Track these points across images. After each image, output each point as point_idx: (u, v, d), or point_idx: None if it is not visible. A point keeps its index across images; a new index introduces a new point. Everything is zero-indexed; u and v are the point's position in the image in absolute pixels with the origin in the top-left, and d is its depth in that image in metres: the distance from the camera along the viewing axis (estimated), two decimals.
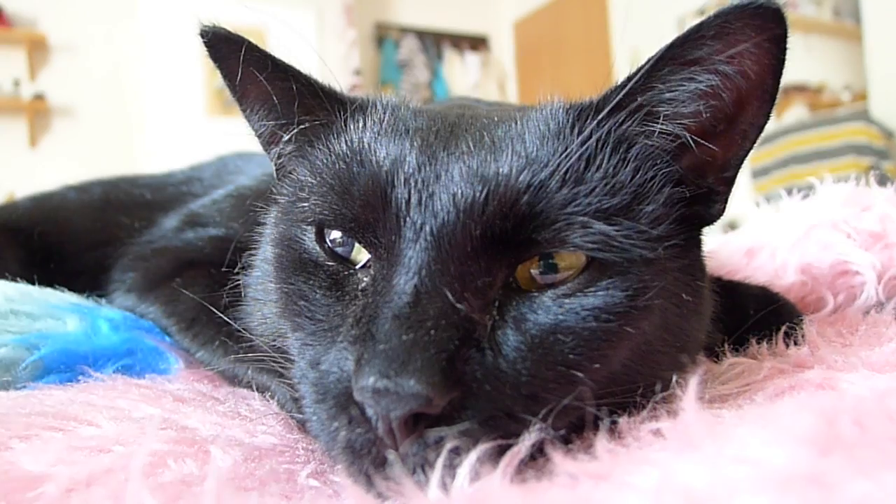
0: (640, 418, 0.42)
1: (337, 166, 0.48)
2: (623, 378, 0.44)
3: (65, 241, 0.98)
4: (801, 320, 0.64)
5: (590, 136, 0.45)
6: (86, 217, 1.02)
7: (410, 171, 0.44)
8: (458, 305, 0.41)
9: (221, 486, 0.35)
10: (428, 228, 0.42)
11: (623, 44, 4.97)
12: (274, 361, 0.50)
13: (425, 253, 0.42)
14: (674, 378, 0.45)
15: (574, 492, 0.31)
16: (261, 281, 0.57)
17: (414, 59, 5.65)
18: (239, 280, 0.62)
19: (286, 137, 0.55)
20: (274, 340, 0.52)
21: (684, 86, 0.46)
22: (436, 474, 0.35)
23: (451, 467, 0.35)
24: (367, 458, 0.39)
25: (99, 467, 0.42)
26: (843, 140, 3.29)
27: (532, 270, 0.43)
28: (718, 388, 0.50)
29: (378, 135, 0.48)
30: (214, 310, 0.63)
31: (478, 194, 0.42)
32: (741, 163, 0.51)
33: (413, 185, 0.44)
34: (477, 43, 5.98)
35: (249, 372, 0.62)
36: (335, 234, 0.47)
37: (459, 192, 0.43)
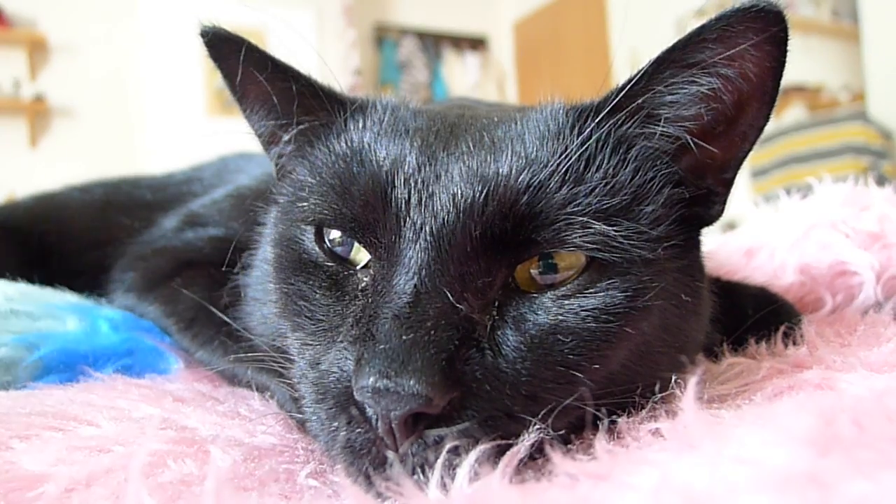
0: (640, 418, 0.43)
1: (337, 166, 0.48)
2: (622, 378, 0.44)
3: (65, 241, 0.98)
4: (800, 320, 0.64)
5: (589, 137, 0.45)
6: (86, 217, 1.02)
7: (410, 171, 0.44)
8: (458, 305, 0.41)
9: (221, 486, 0.35)
10: (428, 228, 0.42)
11: (622, 44, 4.97)
12: (274, 361, 0.50)
13: (425, 253, 0.42)
14: (673, 378, 0.45)
15: (573, 492, 0.31)
16: (260, 281, 0.57)
17: (413, 59, 5.65)
18: (238, 280, 0.62)
19: (286, 137, 0.55)
20: (274, 340, 0.52)
21: (686, 89, 0.46)
22: (435, 474, 0.35)
23: (450, 467, 0.35)
24: (366, 458, 0.39)
25: (99, 467, 0.42)
26: (842, 140, 3.29)
27: (532, 270, 0.43)
28: (717, 388, 0.50)
29: (378, 135, 0.48)
30: (214, 310, 0.63)
31: (477, 194, 0.42)
32: (741, 164, 0.51)
33: (413, 185, 0.44)
34: (476, 43, 5.98)
35: (249, 372, 0.62)
36: (335, 234, 0.47)
37: (459, 192, 0.43)
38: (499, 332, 0.41)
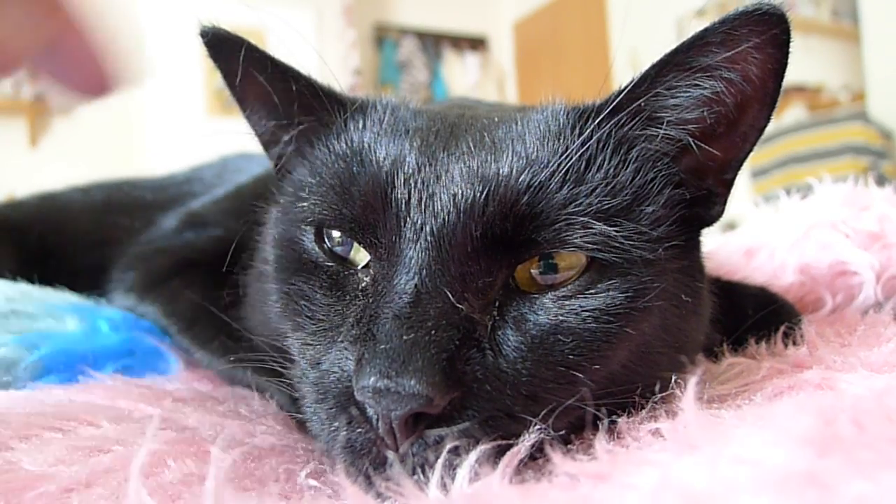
0: (640, 418, 0.43)
1: (337, 167, 0.48)
2: (622, 378, 0.44)
3: (65, 241, 0.98)
4: (800, 320, 0.64)
5: (590, 138, 0.45)
6: (87, 217, 1.02)
7: (410, 171, 0.44)
8: (459, 305, 0.41)
9: (221, 486, 0.35)
10: (428, 229, 0.42)
11: (622, 44, 4.97)
12: (274, 361, 0.50)
13: (426, 253, 0.42)
14: (673, 378, 0.45)
15: (573, 492, 0.31)
16: (261, 281, 0.57)
17: (413, 59, 5.65)
18: (238, 280, 0.62)
19: (286, 138, 0.55)
20: (274, 340, 0.52)
21: (688, 91, 0.46)
22: (435, 474, 0.35)
23: (450, 467, 0.35)
24: (366, 458, 0.39)
25: (99, 467, 0.42)
26: (842, 140, 3.29)
27: (532, 271, 0.43)
28: (717, 388, 0.50)
29: (378, 135, 0.48)
30: (214, 310, 0.63)
31: (478, 194, 0.42)
32: (741, 165, 0.51)
33: (413, 185, 0.44)
34: (476, 43, 5.98)
35: (249, 372, 0.62)
36: (335, 234, 0.47)
37: (459, 192, 0.43)
38: (499, 333, 0.41)
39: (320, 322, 0.45)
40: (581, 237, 0.42)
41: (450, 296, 0.41)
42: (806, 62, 3.74)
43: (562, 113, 0.48)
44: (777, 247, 0.86)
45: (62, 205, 1.08)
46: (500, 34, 6.07)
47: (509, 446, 0.37)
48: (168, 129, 4.50)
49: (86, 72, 0.39)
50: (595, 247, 0.43)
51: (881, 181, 0.93)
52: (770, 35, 0.43)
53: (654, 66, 0.45)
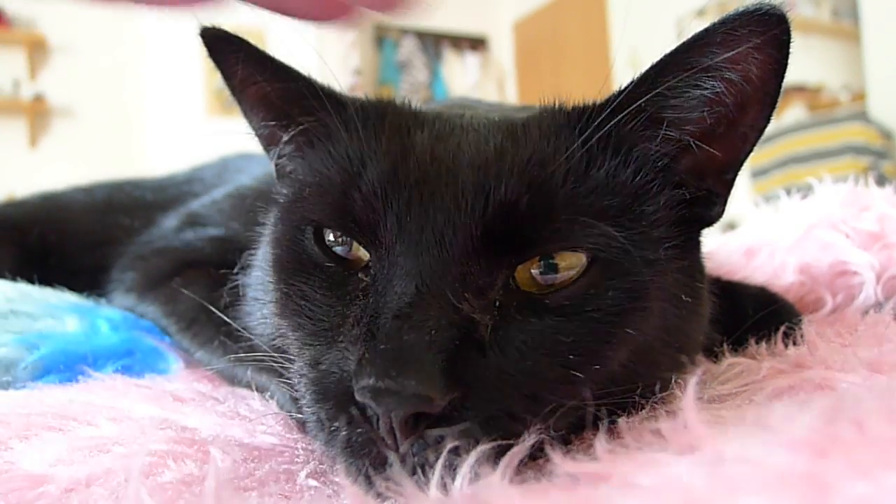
0: (640, 418, 0.42)
1: (337, 167, 0.48)
2: (622, 378, 0.44)
3: (65, 241, 0.98)
4: (800, 320, 0.64)
5: (591, 138, 0.45)
6: (87, 217, 1.02)
7: (411, 171, 0.44)
8: (459, 305, 0.41)
9: (221, 487, 0.35)
10: (429, 229, 0.42)
11: (622, 44, 4.97)
12: (274, 361, 0.50)
13: (426, 253, 0.42)
14: (673, 378, 0.45)
15: (573, 492, 0.31)
16: (260, 281, 0.57)
17: (413, 59, 5.65)
18: (238, 280, 0.62)
19: (286, 138, 0.55)
20: (273, 340, 0.52)
21: (689, 92, 0.46)
22: (436, 474, 0.35)
23: (451, 467, 0.35)
24: (366, 458, 0.39)
25: (99, 467, 0.42)
26: (842, 140, 3.29)
27: (532, 270, 0.43)
28: (717, 388, 0.50)
29: (378, 136, 0.48)
30: (214, 310, 0.63)
31: (478, 194, 0.42)
32: (741, 165, 0.51)
33: (414, 185, 0.44)
34: (476, 43, 5.99)
35: (249, 372, 0.62)
36: (335, 234, 0.47)
37: (460, 192, 0.43)
38: (500, 332, 0.41)
39: (320, 322, 0.45)
40: (582, 237, 0.42)
41: (450, 296, 0.41)
42: (806, 62, 3.75)
43: (562, 113, 0.48)
44: (777, 247, 0.86)
45: (63, 204, 1.08)
46: (500, 34, 6.07)
47: (509, 446, 0.37)
48: (168, 129, 4.51)
49: None
50: (596, 246, 0.43)
51: (881, 181, 0.93)
52: (770, 35, 0.43)
53: (654, 67, 0.45)
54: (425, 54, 5.74)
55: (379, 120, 0.50)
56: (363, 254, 0.46)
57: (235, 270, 0.63)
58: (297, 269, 0.48)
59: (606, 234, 0.43)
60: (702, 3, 4.20)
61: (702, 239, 0.54)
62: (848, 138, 3.30)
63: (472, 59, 5.92)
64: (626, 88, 0.46)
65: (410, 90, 5.45)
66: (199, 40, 0.52)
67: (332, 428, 0.41)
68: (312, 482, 0.43)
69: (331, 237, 0.47)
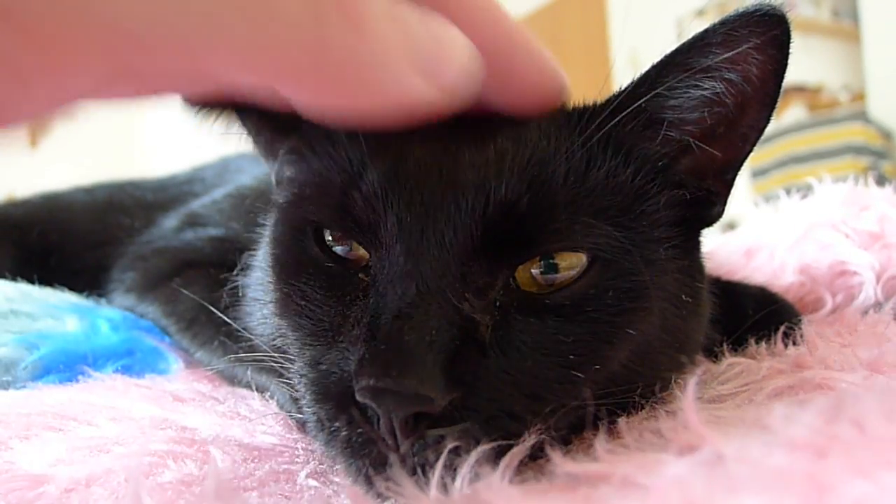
0: (640, 418, 0.43)
1: (337, 167, 0.48)
2: (623, 378, 0.44)
3: (66, 240, 0.99)
4: (800, 320, 0.64)
5: (591, 138, 0.45)
6: (88, 217, 1.02)
7: (412, 171, 0.44)
8: (460, 306, 0.41)
9: (221, 487, 0.35)
10: (429, 229, 0.42)
11: (622, 44, 4.97)
12: (274, 361, 0.50)
13: (427, 253, 0.42)
14: (673, 378, 0.45)
15: (573, 492, 0.31)
16: (261, 281, 0.57)
17: None
18: (239, 281, 0.62)
19: (285, 147, 0.55)
20: (274, 340, 0.52)
21: (689, 92, 0.46)
22: (436, 474, 0.35)
23: (451, 467, 0.35)
24: (367, 458, 0.39)
25: (99, 467, 0.42)
26: (842, 140, 3.29)
27: (532, 270, 0.43)
28: (717, 387, 0.50)
29: (379, 136, 0.48)
30: (214, 310, 0.63)
31: (479, 194, 0.42)
32: (741, 165, 0.51)
33: (414, 184, 0.43)
34: None
35: (249, 372, 0.62)
36: (335, 234, 0.47)
37: (461, 192, 0.43)
38: (500, 333, 0.41)
39: (320, 322, 0.45)
40: (582, 237, 0.43)
41: (450, 296, 0.41)
42: (806, 62, 3.75)
43: (562, 113, 0.48)
44: (777, 247, 0.86)
45: (64, 204, 1.08)
46: None
47: (510, 446, 0.37)
48: (168, 129, 4.51)
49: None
50: (596, 246, 0.43)
51: (881, 181, 0.93)
52: (771, 36, 0.43)
53: (654, 67, 0.45)
54: None
55: None
56: (363, 253, 0.46)
57: (235, 272, 0.63)
58: (297, 270, 0.48)
59: (607, 234, 0.43)
60: (702, 3, 4.20)
61: (702, 239, 0.54)
62: (848, 138, 3.30)
63: None
64: (626, 89, 0.46)
65: None
66: None
67: (333, 428, 0.41)
68: (312, 482, 0.43)
69: (330, 237, 0.47)
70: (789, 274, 0.82)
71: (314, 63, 0.29)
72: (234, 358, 0.62)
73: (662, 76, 0.45)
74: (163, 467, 0.43)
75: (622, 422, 0.41)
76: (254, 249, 0.62)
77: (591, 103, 0.49)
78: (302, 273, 0.47)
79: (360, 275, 0.45)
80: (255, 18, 0.27)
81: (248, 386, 0.63)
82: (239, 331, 0.59)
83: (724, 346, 0.58)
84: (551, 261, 0.43)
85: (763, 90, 0.46)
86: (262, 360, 0.52)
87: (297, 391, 0.47)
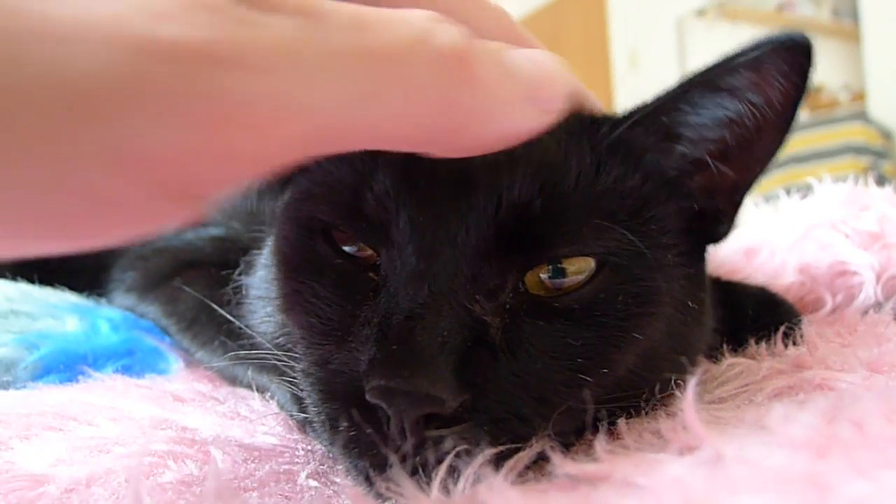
0: (639, 419, 0.43)
1: (348, 167, 0.47)
2: (628, 384, 0.44)
3: None
4: (800, 320, 0.64)
5: (601, 142, 0.45)
6: None
7: (424, 170, 0.44)
8: (471, 307, 0.41)
9: (221, 487, 0.35)
10: (441, 229, 0.42)
11: (622, 45, 4.97)
12: (277, 359, 0.50)
13: (438, 254, 0.41)
14: (673, 379, 0.45)
15: (573, 492, 0.31)
16: (265, 280, 0.56)
17: None
18: (241, 280, 0.62)
19: None
20: (277, 339, 0.51)
21: (711, 111, 0.46)
22: (441, 475, 0.35)
23: (458, 468, 0.35)
24: (374, 459, 0.39)
25: (99, 468, 0.42)
26: (842, 140, 3.29)
27: (541, 275, 0.43)
28: (717, 388, 0.50)
29: None
30: (215, 306, 0.63)
31: (491, 195, 0.42)
32: (751, 187, 0.52)
33: (426, 184, 0.43)
34: None
35: (249, 372, 0.62)
36: (345, 234, 0.47)
37: (473, 192, 0.42)
38: (509, 335, 0.41)
39: (329, 321, 0.45)
40: (592, 241, 0.43)
41: (462, 297, 0.40)
42: None
43: (577, 120, 0.48)
44: (777, 247, 0.86)
45: None
46: None
47: (516, 448, 0.37)
48: None
49: None
50: (606, 251, 0.43)
51: (881, 181, 0.93)
52: (797, 64, 0.44)
53: (678, 84, 0.46)
54: None
55: None
56: (374, 253, 0.46)
57: (238, 271, 0.63)
58: (305, 267, 0.48)
59: (617, 238, 0.43)
60: (702, 4, 4.21)
61: (707, 255, 0.55)
62: (848, 138, 3.30)
63: None
64: (649, 106, 0.47)
65: None
66: None
67: (340, 428, 0.41)
68: (313, 483, 0.43)
69: (341, 236, 0.47)
70: (789, 274, 0.82)
71: (442, 122, 0.32)
72: (234, 356, 0.62)
73: (686, 92, 0.46)
74: (163, 468, 0.43)
75: (622, 423, 0.41)
76: (257, 249, 0.62)
77: (608, 115, 0.49)
78: (311, 271, 0.47)
79: (369, 274, 0.45)
80: (394, 89, 0.29)
81: (248, 386, 0.63)
82: (241, 328, 0.58)
83: (724, 346, 0.58)
84: (559, 265, 0.43)
85: (781, 116, 0.47)
86: (265, 359, 0.52)
87: (300, 390, 0.46)
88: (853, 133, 3.31)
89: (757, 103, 0.46)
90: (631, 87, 4.61)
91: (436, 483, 0.34)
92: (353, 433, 0.40)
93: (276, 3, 0.26)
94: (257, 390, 0.61)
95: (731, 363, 0.54)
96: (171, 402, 0.58)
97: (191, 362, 0.74)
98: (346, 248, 0.47)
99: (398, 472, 0.35)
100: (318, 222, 0.48)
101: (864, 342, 0.58)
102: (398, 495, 0.34)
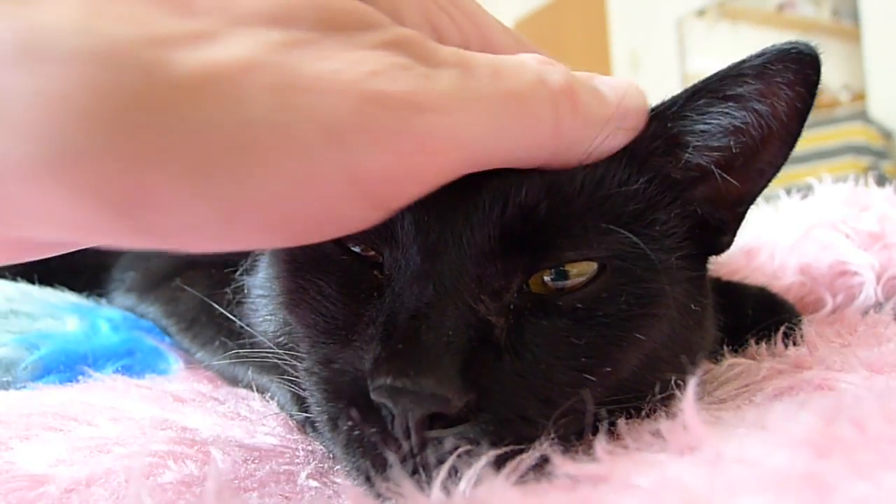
0: (639, 419, 0.43)
1: None
2: (631, 386, 0.44)
3: None
4: (800, 320, 0.64)
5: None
6: None
7: None
8: (476, 307, 0.41)
9: (222, 487, 0.35)
10: (447, 229, 0.42)
11: (622, 45, 4.97)
12: (278, 358, 0.49)
13: (444, 254, 0.41)
14: (673, 379, 0.45)
15: (573, 493, 0.31)
16: (268, 279, 0.56)
17: None
18: (241, 281, 0.62)
19: None
20: (278, 338, 0.51)
21: (718, 120, 0.46)
22: (440, 475, 0.35)
23: (463, 468, 0.35)
24: (376, 459, 0.39)
25: (99, 468, 0.42)
26: (842, 140, 3.29)
27: (544, 277, 0.43)
28: (717, 388, 0.50)
29: None
30: (216, 305, 0.63)
31: (498, 197, 0.42)
32: (754, 199, 0.52)
33: None
34: None
35: (249, 372, 0.62)
36: (352, 233, 0.46)
37: (480, 193, 0.42)
38: (514, 335, 0.41)
39: (333, 320, 0.45)
40: (597, 245, 0.43)
41: (467, 297, 0.41)
42: None
43: None
44: (777, 247, 0.86)
45: None
46: None
47: (520, 449, 0.37)
48: None
49: None
50: (609, 254, 0.43)
51: (881, 181, 0.93)
52: (804, 75, 0.44)
53: (686, 91, 0.46)
54: None
55: None
56: (380, 252, 0.45)
57: (240, 272, 0.63)
58: (311, 265, 0.48)
59: (621, 241, 0.43)
60: (702, 4, 4.21)
61: (709, 265, 0.55)
62: (848, 138, 3.30)
63: None
64: (655, 111, 0.47)
65: None
66: None
67: (343, 428, 0.40)
68: (313, 483, 0.43)
69: (348, 235, 0.47)
70: (789, 274, 0.82)
71: (555, 144, 0.40)
72: (233, 354, 0.62)
73: (693, 100, 0.46)
74: (163, 468, 0.43)
75: (622, 423, 0.41)
76: (258, 250, 0.61)
77: None
78: (316, 268, 0.47)
79: (375, 272, 0.45)
80: (524, 122, 0.37)
81: (248, 386, 0.63)
82: (242, 327, 0.58)
83: (724, 346, 0.58)
84: (562, 268, 0.43)
85: (787, 127, 0.47)
86: (266, 358, 0.52)
87: (302, 389, 0.46)
88: (853, 133, 3.32)
89: (763, 113, 0.46)
90: None
91: (436, 483, 0.34)
92: (356, 432, 0.40)
93: (441, 58, 0.34)
94: (257, 390, 0.61)
95: (731, 363, 0.54)
96: (171, 403, 0.58)
97: (191, 362, 0.74)
98: (353, 248, 0.47)
99: (399, 473, 0.35)
100: None
101: (864, 342, 0.58)
102: (398, 496, 0.34)
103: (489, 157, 0.37)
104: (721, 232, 0.52)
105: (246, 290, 0.61)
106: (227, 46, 0.28)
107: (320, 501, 0.41)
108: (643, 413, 0.44)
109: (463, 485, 0.34)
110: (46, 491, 0.39)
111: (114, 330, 0.76)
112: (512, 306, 0.42)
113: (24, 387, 0.64)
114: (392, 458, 0.37)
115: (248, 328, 0.58)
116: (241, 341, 0.59)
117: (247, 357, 0.57)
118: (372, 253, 0.46)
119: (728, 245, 0.54)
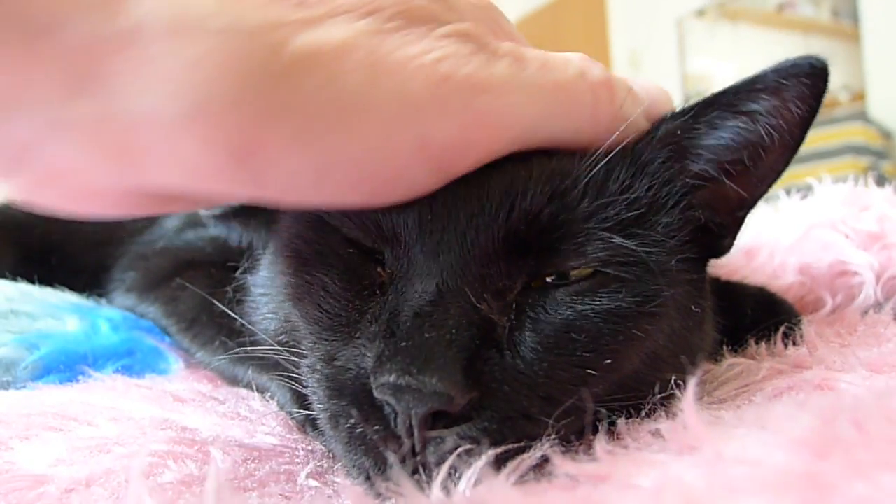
0: (639, 419, 0.43)
1: None
2: (631, 385, 0.44)
3: (67, 240, 0.98)
4: (800, 320, 0.64)
5: (610, 150, 0.46)
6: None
7: None
8: (479, 306, 0.41)
9: (221, 487, 0.35)
10: (451, 228, 0.42)
11: (622, 45, 4.97)
12: (278, 356, 0.49)
13: (448, 252, 0.42)
14: (673, 379, 0.45)
15: (573, 493, 0.31)
16: (270, 277, 0.56)
17: None
18: (241, 279, 0.62)
19: None
20: (279, 336, 0.51)
21: (730, 133, 0.47)
22: (441, 474, 0.35)
23: (463, 468, 0.35)
24: (378, 457, 0.39)
25: (99, 468, 0.42)
26: (842, 140, 3.29)
27: (547, 279, 0.44)
28: (717, 388, 0.50)
29: None
30: (216, 303, 0.63)
31: (503, 200, 0.43)
32: (755, 204, 0.52)
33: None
34: None
35: (249, 372, 0.62)
36: (356, 232, 0.46)
37: (485, 195, 0.43)
38: (516, 334, 0.42)
39: (337, 317, 0.45)
40: (600, 250, 0.43)
41: (470, 296, 0.41)
42: None
43: None
44: (777, 247, 0.86)
45: None
46: None
47: (522, 448, 0.37)
48: None
49: None
50: (610, 260, 0.43)
51: (881, 181, 0.93)
52: (813, 88, 0.45)
53: (699, 103, 0.47)
54: None
55: None
56: (384, 250, 0.45)
57: (240, 271, 0.63)
58: (315, 258, 0.48)
59: (622, 247, 0.43)
60: (702, 4, 4.21)
61: (709, 269, 0.55)
62: (848, 138, 3.30)
63: None
64: (668, 121, 0.48)
65: None
66: None
67: (346, 425, 0.41)
68: (313, 482, 0.43)
69: (352, 235, 0.47)
70: (789, 274, 0.82)
71: (594, 130, 0.45)
72: (233, 353, 0.62)
73: (705, 113, 0.47)
74: (163, 468, 0.43)
75: (622, 423, 0.41)
76: (259, 249, 0.61)
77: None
78: (320, 262, 0.47)
79: (379, 270, 0.45)
80: (568, 109, 0.44)
81: (248, 386, 0.63)
82: (243, 326, 0.58)
83: (724, 346, 0.58)
84: (562, 271, 0.44)
85: (791, 136, 0.47)
86: (266, 356, 0.52)
87: (304, 387, 0.46)
88: (853, 133, 3.32)
89: (774, 126, 0.47)
90: None
91: (437, 483, 0.34)
92: (357, 430, 0.40)
93: (499, 49, 0.40)
94: (257, 390, 0.61)
95: (731, 363, 0.54)
96: (171, 403, 0.58)
97: (191, 362, 0.74)
98: (355, 239, 0.46)
99: (399, 472, 0.35)
100: (329, 223, 0.48)
101: (864, 342, 0.58)
102: (398, 495, 0.34)
103: (536, 137, 0.42)
104: (721, 236, 0.53)
105: (247, 289, 0.61)
106: (329, 31, 0.34)
107: (320, 501, 0.41)
108: (643, 413, 0.44)
109: (463, 484, 0.34)
110: (46, 491, 0.39)
111: (114, 330, 0.76)
112: (514, 305, 0.42)
113: (24, 387, 0.64)
114: (392, 458, 0.37)
115: (248, 326, 0.58)
116: (242, 340, 0.59)
117: (247, 355, 0.57)
118: (380, 252, 0.46)
119: (728, 248, 0.54)
